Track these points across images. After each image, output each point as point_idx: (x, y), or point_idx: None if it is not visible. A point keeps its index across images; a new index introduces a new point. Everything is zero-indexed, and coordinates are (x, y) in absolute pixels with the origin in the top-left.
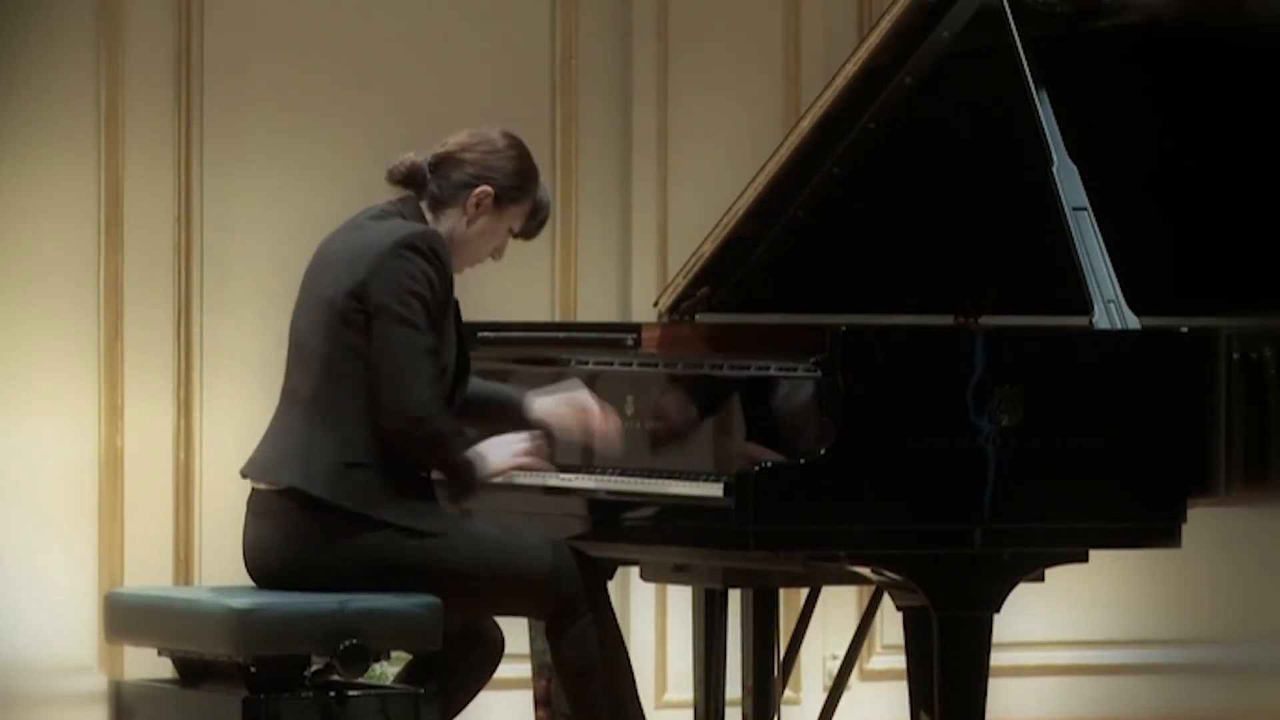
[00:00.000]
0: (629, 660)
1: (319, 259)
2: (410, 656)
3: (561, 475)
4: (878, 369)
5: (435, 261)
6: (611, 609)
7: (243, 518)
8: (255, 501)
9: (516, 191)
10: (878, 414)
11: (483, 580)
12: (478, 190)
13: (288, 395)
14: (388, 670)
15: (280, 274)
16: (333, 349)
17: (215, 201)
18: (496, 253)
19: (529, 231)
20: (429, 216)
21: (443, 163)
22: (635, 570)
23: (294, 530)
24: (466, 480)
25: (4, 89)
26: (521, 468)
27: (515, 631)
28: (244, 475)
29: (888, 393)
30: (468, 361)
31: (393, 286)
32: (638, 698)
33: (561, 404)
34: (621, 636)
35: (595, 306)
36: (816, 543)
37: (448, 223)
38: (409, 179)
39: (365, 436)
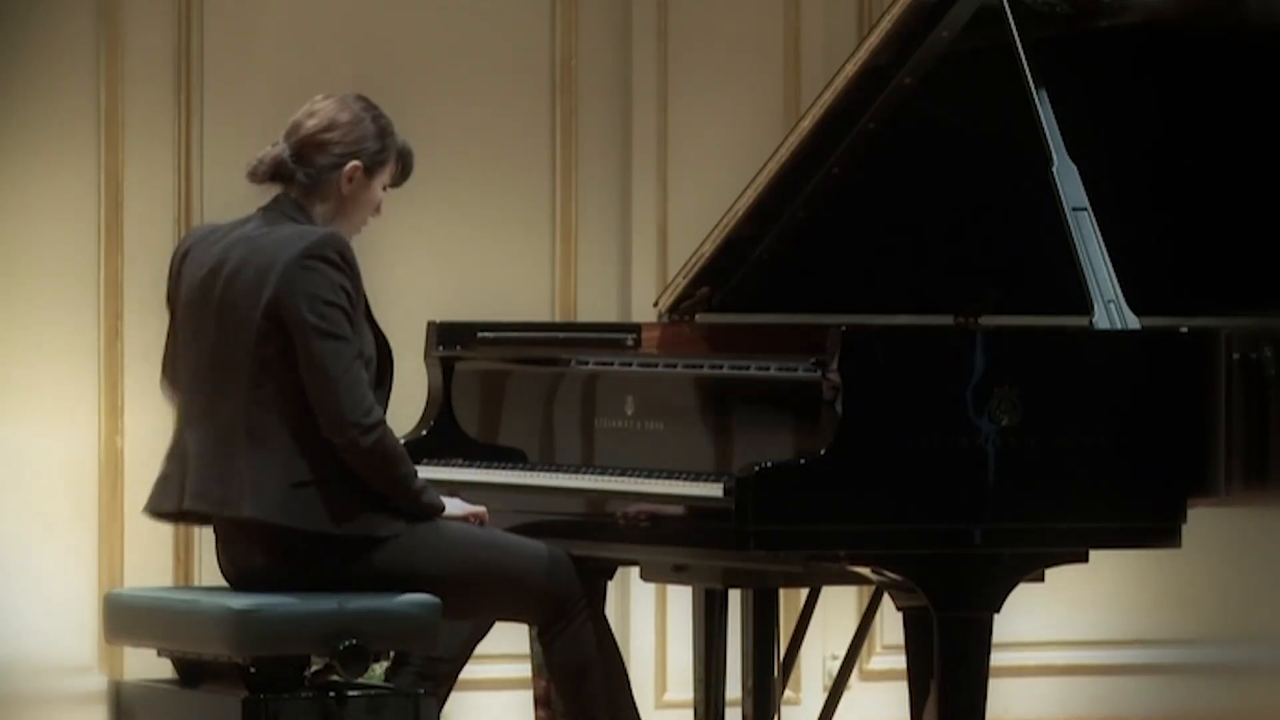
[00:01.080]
0: (623, 663)
1: (206, 272)
2: None
3: (561, 475)
4: (877, 369)
5: (345, 267)
6: (604, 613)
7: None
8: (225, 529)
9: (382, 154)
10: (877, 414)
11: (477, 583)
12: (347, 168)
13: (208, 419)
14: (374, 668)
15: None
16: (254, 371)
17: (215, 202)
18: (376, 211)
19: (397, 182)
20: (305, 205)
21: (304, 148)
22: (635, 570)
23: (282, 559)
24: (424, 511)
25: (4, 89)
26: (472, 517)
27: (516, 632)
28: (193, 511)
29: (887, 392)
30: (389, 352)
31: (309, 301)
32: (633, 699)
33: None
34: (614, 638)
35: (595, 306)
36: (816, 542)
37: (325, 205)
38: (275, 174)
39: (302, 455)
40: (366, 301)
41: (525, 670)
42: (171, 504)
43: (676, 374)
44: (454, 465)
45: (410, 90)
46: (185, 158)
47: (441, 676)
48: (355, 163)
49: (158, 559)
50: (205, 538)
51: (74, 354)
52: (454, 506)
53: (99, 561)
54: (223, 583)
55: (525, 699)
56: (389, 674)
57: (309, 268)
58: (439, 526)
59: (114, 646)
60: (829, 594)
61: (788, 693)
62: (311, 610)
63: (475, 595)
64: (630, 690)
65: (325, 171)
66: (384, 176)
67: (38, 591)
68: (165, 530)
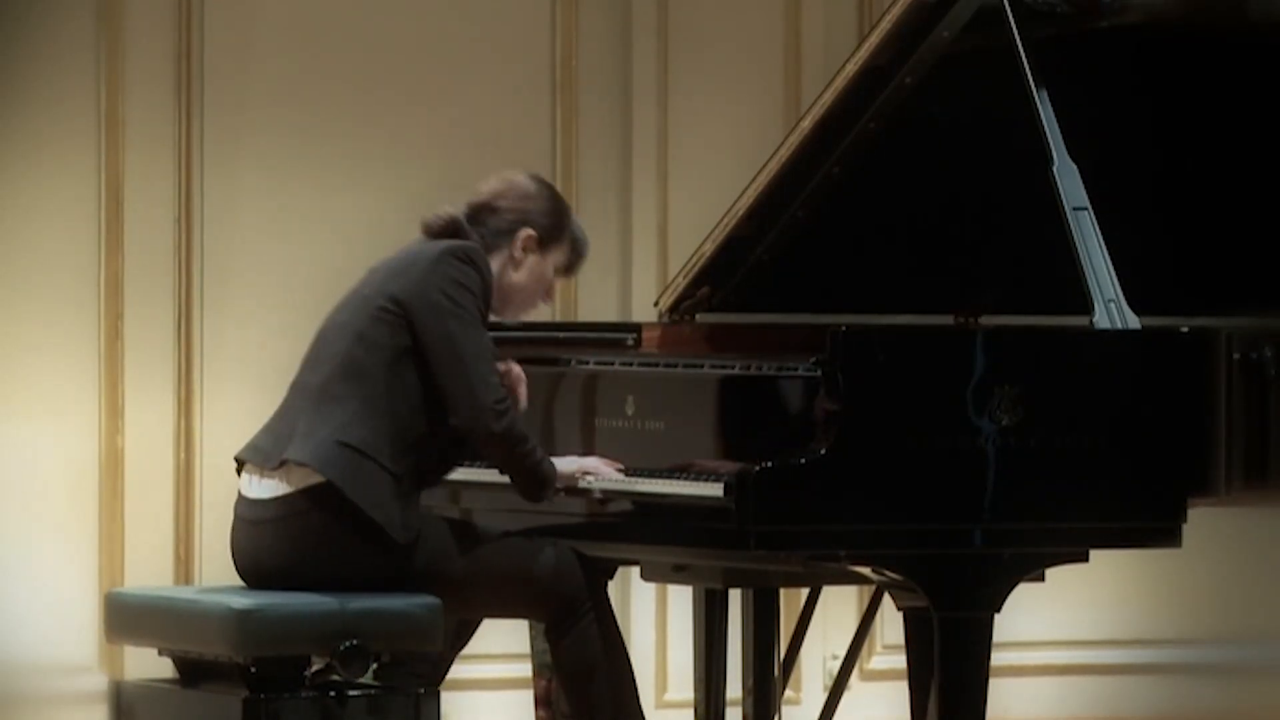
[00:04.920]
0: (630, 662)
1: (365, 276)
2: None
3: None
4: (878, 369)
5: (481, 269)
6: (612, 611)
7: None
8: (245, 508)
9: (557, 230)
10: (878, 414)
11: (485, 582)
12: (522, 234)
13: (293, 389)
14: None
15: (280, 274)
16: (353, 345)
17: (215, 202)
18: (547, 294)
19: (572, 266)
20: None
21: (479, 212)
22: (636, 570)
23: (292, 531)
24: (542, 480)
25: (4, 90)
26: (587, 471)
27: (516, 631)
28: (239, 460)
29: (888, 392)
30: None
31: (446, 284)
32: (638, 699)
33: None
34: (622, 638)
35: (595, 306)
36: (817, 542)
37: (495, 266)
38: (448, 231)
39: (363, 425)
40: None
41: (525, 670)
42: (240, 452)
43: (677, 374)
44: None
45: (410, 90)
46: (186, 158)
47: (426, 679)
48: (530, 230)
49: (158, 559)
50: (206, 537)
51: (74, 353)
52: (564, 464)
53: (99, 561)
54: (223, 581)
55: (525, 699)
56: (375, 676)
57: (447, 261)
58: (449, 526)
59: (114, 646)
60: (829, 594)
61: (788, 692)
62: (312, 610)
63: (485, 593)
64: (636, 691)
65: (499, 234)
66: (557, 254)
67: (38, 591)
68: (166, 530)
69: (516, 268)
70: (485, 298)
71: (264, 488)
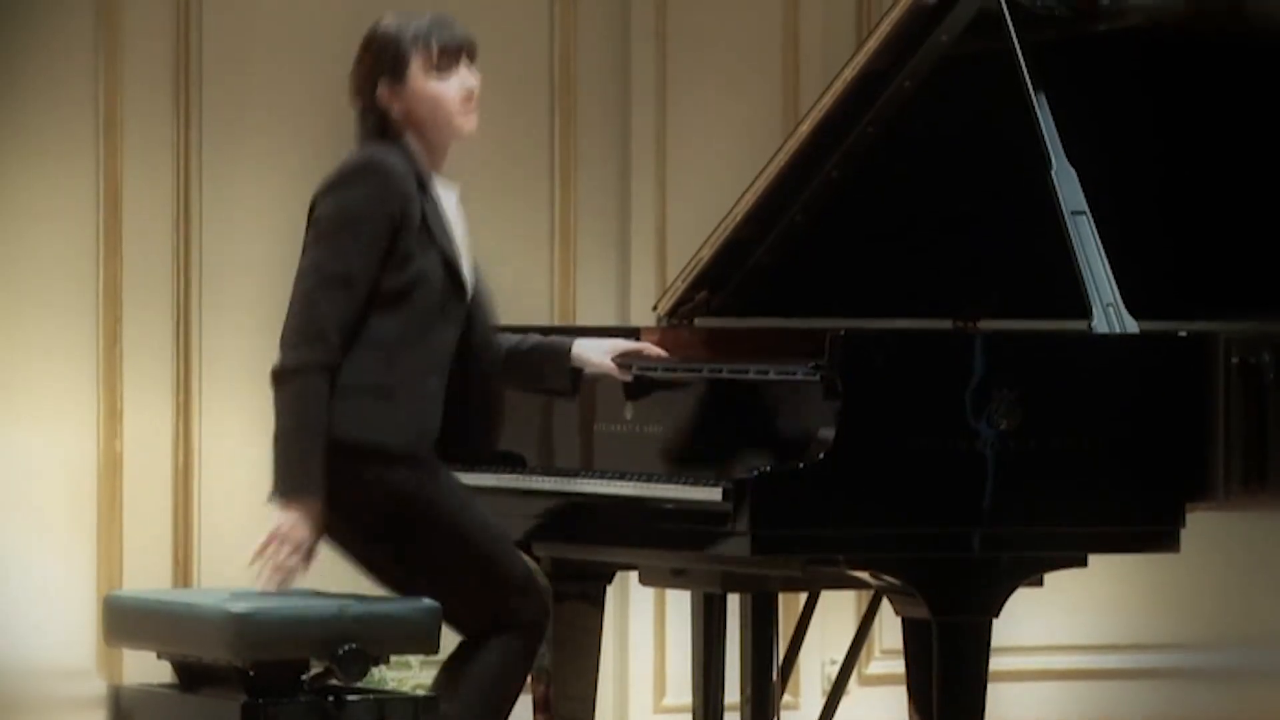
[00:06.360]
0: (514, 698)
1: None
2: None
3: (560, 479)
4: (877, 373)
5: (359, 184)
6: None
7: (250, 509)
8: None
9: (396, 61)
10: (877, 418)
11: (464, 552)
12: (378, 94)
13: None
14: (405, 680)
15: (278, 278)
16: None
17: (214, 206)
18: (462, 104)
19: (443, 56)
20: (396, 134)
21: (365, 118)
22: (634, 575)
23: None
24: (275, 449)
25: (3, 93)
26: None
27: None
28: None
29: (887, 396)
30: (451, 268)
31: (319, 212)
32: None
33: (607, 352)
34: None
35: (594, 310)
36: (815, 546)
37: (410, 140)
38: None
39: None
40: (429, 221)
41: None
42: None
43: (675, 378)
44: (454, 469)
45: None
46: (184, 162)
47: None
48: (381, 88)
49: (156, 562)
50: (204, 540)
51: (73, 358)
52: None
53: (98, 564)
54: (222, 584)
55: (524, 703)
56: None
57: (333, 185)
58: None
59: (113, 649)
60: (828, 598)
61: (786, 697)
62: (311, 614)
63: (456, 566)
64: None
65: (369, 113)
66: (417, 67)
67: (37, 595)
68: (164, 533)
69: (410, 116)
70: (385, 200)
71: None
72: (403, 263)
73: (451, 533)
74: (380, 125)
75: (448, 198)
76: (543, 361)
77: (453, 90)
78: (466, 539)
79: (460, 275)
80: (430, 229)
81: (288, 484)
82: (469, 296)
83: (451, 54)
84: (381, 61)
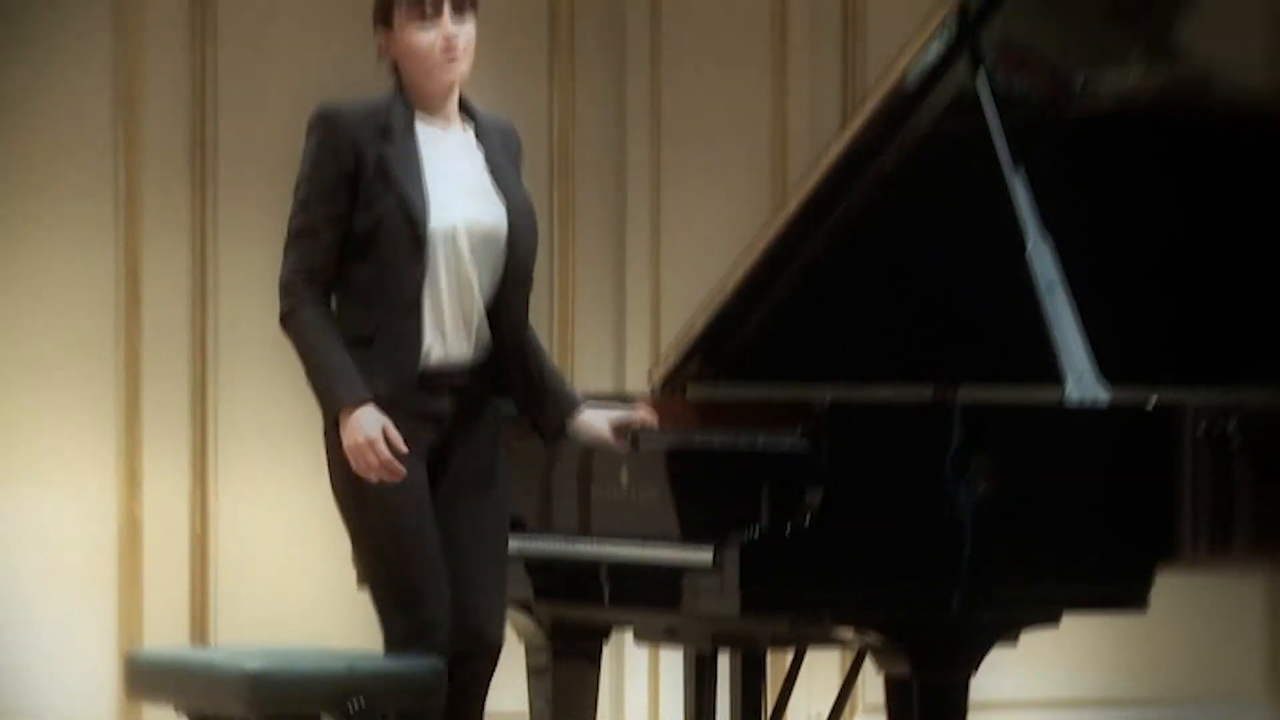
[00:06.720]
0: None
1: None
2: None
3: (558, 541)
4: (861, 440)
5: (315, 128)
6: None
7: (264, 571)
8: None
9: (383, 11)
10: (860, 484)
11: (357, 539)
12: (378, 41)
13: None
14: None
15: (290, 351)
16: None
17: (229, 282)
18: (443, 51)
19: (422, 5)
20: (398, 78)
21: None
22: (629, 633)
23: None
24: (318, 398)
25: (24, 171)
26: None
27: (513, 665)
28: None
29: (870, 463)
30: (407, 210)
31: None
32: None
33: (608, 422)
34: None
35: (591, 379)
36: (801, 606)
37: (397, 76)
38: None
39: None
40: (384, 165)
41: (522, 704)
42: None
43: (669, 444)
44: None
45: None
46: (201, 240)
47: None
48: (379, 36)
49: (175, 621)
50: (221, 601)
51: (95, 426)
52: (366, 428)
53: (119, 623)
54: (238, 642)
55: None
56: None
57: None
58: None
59: (133, 704)
60: (813, 656)
61: None
62: (322, 671)
63: (371, 551)
64: None
65: (381, 58)
66: (401, 16)
67: (61, 652)
68: (182, 593)
69: (401, 62)
70: (335, 151)
71: None
72: (365, 207)
73: (361, 517)
74: (392, 68)
75: (445, 138)
76: (550, 399)
77: (430, 39)
78: (376, 527)
79: (415, 217)
80: (388, 173)
81: (331, 400)
82: (427, 237)
83: (432, 3)
84: (377, 10)
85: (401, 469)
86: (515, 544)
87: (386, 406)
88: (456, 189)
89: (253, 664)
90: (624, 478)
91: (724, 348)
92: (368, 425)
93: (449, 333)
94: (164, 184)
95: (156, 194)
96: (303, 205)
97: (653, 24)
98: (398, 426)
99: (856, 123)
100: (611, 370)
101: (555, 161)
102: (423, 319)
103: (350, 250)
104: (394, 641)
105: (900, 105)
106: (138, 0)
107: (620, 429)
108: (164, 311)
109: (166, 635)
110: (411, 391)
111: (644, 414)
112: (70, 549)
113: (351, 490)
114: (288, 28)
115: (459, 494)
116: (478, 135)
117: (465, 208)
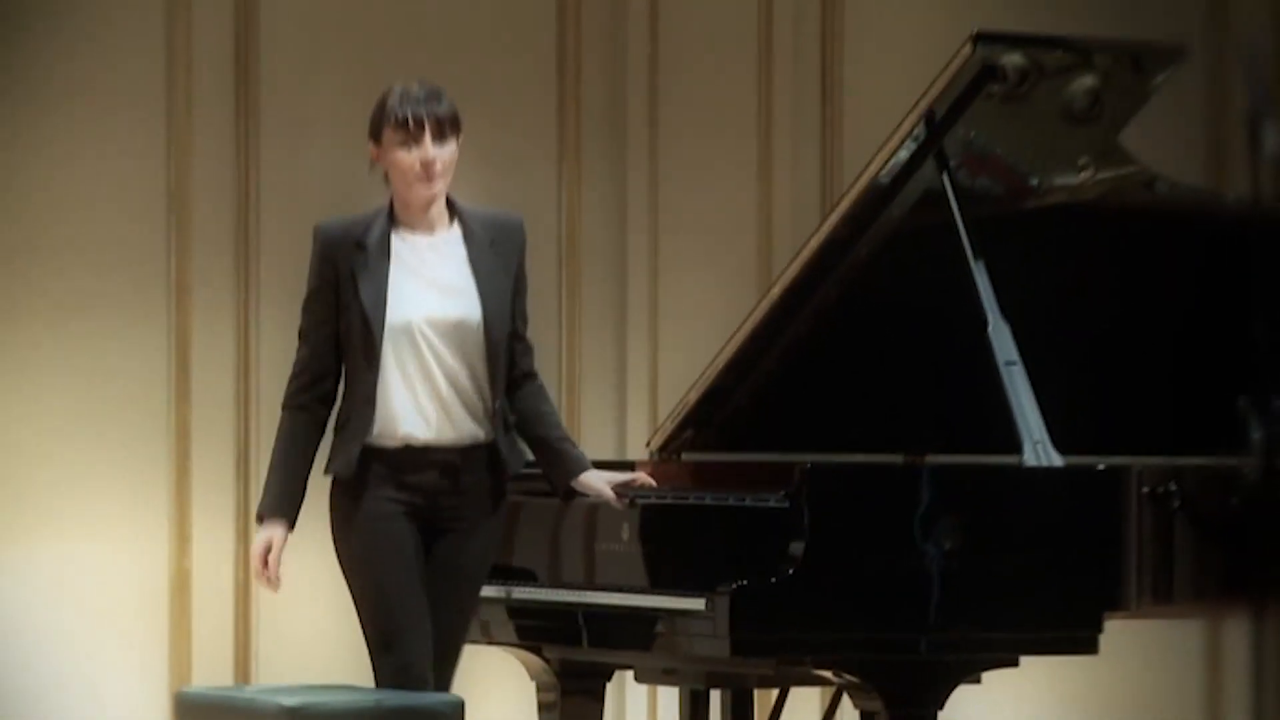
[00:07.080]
0: None
1: None
2: None
3: (566, 591)
4: (838, 499)
5: (315, 240)
6: None
7: (301, 617)
8: None
9: (375, 126)
10: (838, 539)
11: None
12: (371, 153)
13: None
14: None
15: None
16: None
17: (269, 355)
18: (421, 173)
19: (405, 133)
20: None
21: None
22: (630, 673)
23: None
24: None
25: (82, 253)
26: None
27: (522, 690)
28: None
29: (846, 520)
30: (363, 317)
31: None
32: None
33: (609, 483)
34: None
35: (596, 446)
36: (786, 649)
37: (389, 177)
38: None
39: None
40: (354, 275)
41: None
42: None
43: (666, 504)
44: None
45: None
46: (245, 319)
47: None
48: (371, 148)
49: (220, 663)
50: (262, 646)
51: (148, 489)
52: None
53: (169, 665)
54: (277, 683)
55: None
56: None
57: None
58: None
59: None
60: (796, 693)
61: None
62: (352, 706)
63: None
64: None
65: (373, 168)
66: (389, 138)
67: (115, 691)
68: (226, 638)
69: (388, 171)
70: (319, 264)
71: None
72: (343, 313)
73: (351, 571)
74: (385, 176)
75: (424, 242)
76: (557, 461)
77: (411, 159)
78: (360, 577)
79: (368, 319)
80: (356, 282)
81: (261, 502)
82: (382, 336)
83: (415, 127)
84: (370, 125)
85: (276, 584)
86: (527, 594)
87: (341, 483)
88: (427, 287)
89: (290, 700)
90: (625, 533)
91: (715, 418)
92: (258, 539)
93: (431, 416)
94: (211, 270)
95: (205, 280)
96: (303, 310)
97: (651, 128)
98: (383, 491)
99: (834, 217)
100: (614, 438)
101: (563, 249)
102: (386, 407)
103: (342, 349)
104: (379, 679)
105: (874, 201)
106: (186, 102)
107: (621, 490)
108: (211, 383)
109: (212, 676)
110: (390, 468)
111: (644, 478)
112: (126, 598)
113: (344, 548)
114: (325, 129)
115: (441, 562)
116: (465, 236)
117: (428, 304)
